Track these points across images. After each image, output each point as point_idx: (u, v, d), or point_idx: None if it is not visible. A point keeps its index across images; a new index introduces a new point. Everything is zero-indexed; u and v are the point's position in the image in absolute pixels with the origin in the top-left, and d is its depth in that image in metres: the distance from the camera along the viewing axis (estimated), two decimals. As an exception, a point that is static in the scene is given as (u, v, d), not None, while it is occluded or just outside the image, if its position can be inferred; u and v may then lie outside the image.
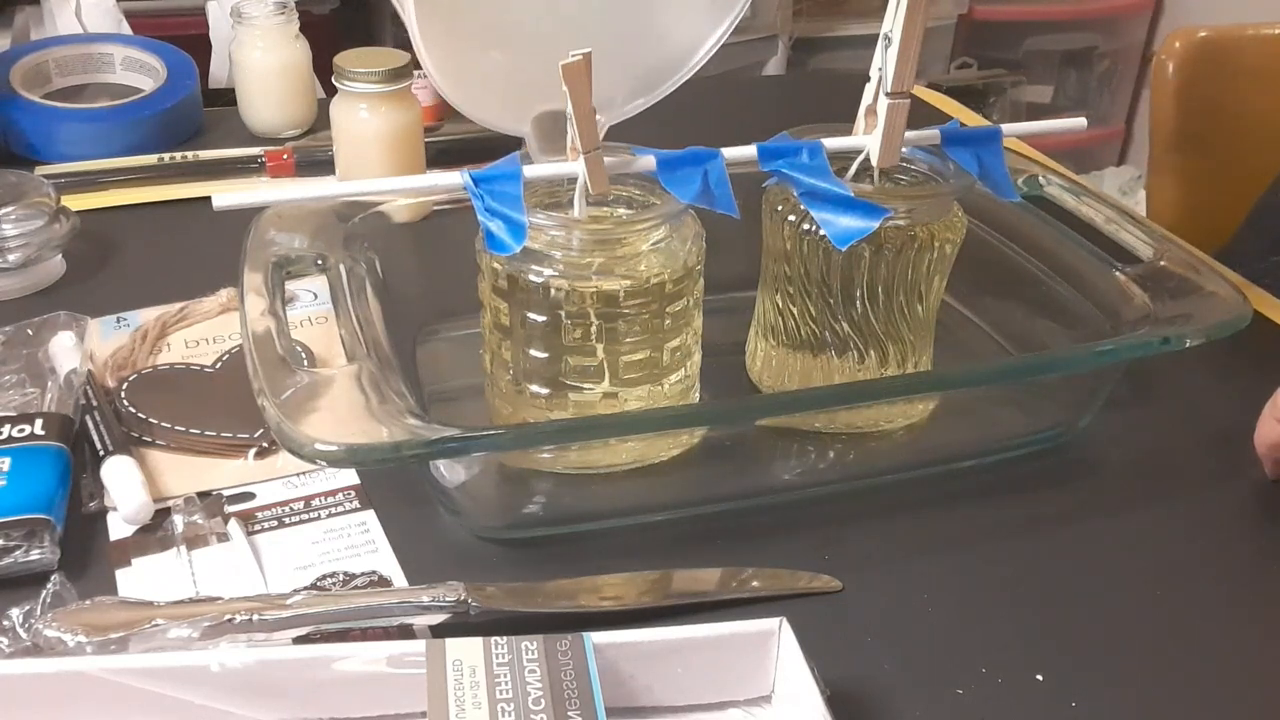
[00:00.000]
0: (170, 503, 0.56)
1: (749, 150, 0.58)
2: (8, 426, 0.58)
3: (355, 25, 1.85)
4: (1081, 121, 0.67)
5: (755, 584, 0.54)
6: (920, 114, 0.63)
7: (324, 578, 0.53)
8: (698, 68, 0.71)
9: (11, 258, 0.74)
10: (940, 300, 0.64)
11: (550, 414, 0.58)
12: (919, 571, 0.56)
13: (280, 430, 0.48)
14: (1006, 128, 0.63)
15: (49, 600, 0.48)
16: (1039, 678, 0.50)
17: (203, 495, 0.57)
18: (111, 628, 0.47)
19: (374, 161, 0.80)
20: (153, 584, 0.52)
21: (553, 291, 0.55)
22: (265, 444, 0.61)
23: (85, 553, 0.54)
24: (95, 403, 0.61)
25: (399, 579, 0.53)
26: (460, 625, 0.49)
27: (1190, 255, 0.65)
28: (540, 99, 0.65)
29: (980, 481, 0.62)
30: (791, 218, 0.61)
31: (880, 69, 0.58)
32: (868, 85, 0.60)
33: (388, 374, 0.52)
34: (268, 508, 0.57)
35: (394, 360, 0.54)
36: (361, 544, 0.55)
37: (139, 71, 1.01)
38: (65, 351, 0.65)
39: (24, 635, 0.47)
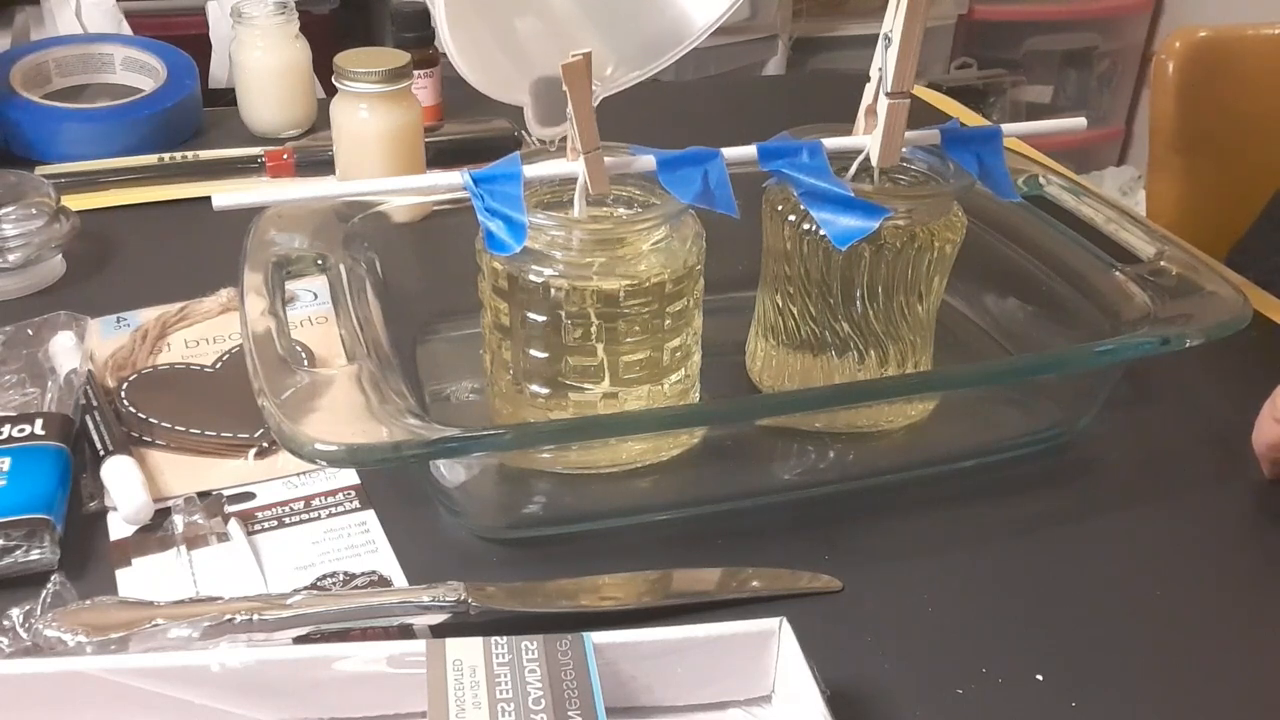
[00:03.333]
0: (170, 503, 0.56)
1: (749, 150, 0.58)
2: (8, 426, 0.58)
3: (355, 25, 1.85)
4: (1081, 121, 0.67)
5: (755, 584, 0.54)
6: (920, 114, 0.63)
7: (324, 578, 0.53)
8: (698, 42, 0.71)
9: (11, 258, 0.74)
10: (940, 300, 0.64)
11: (550, 414, 0.58)
12: (919, 571, 0.56)
13: (280, 430, 0.48)
14: (1006, 128, 0.63)
15: (49, 600, 0.48)
16: (1039, 678, 0.50)
17: (203, 495, 0.57)
18: (111, 628, 0.47)
19: (374, 161, 0.80)
20: (153, 584, 0.52)
21: (553, 291, 0.55)
22: (265, 444, 0.61)
23: (85, 553, 0.54)
24: (95, 403, 0.61)
25: (399, 579, 0.53)
26: (460, 625, 0.49)
27: (1190, 255, 0.65)
28: (542, 65, 0.65)
29: (980, 481, 0.62)
30: (791, 218, 0.61)
31: (880, 69, 0.58)
32: (868, 85, 0.60)
33: (388, 374, 0.52)
34: (268, 508, 0.57)
35: (394, 360, 0.54)
36: (361, 544, 0.55)
37: (139, 71, 1.01)
38: (65, 351, 0.65)
39: (24, 635, 0.47)
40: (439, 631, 0.50)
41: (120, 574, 0.53)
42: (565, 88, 0.51)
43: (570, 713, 0.41)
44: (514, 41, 0.66)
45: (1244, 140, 1.14)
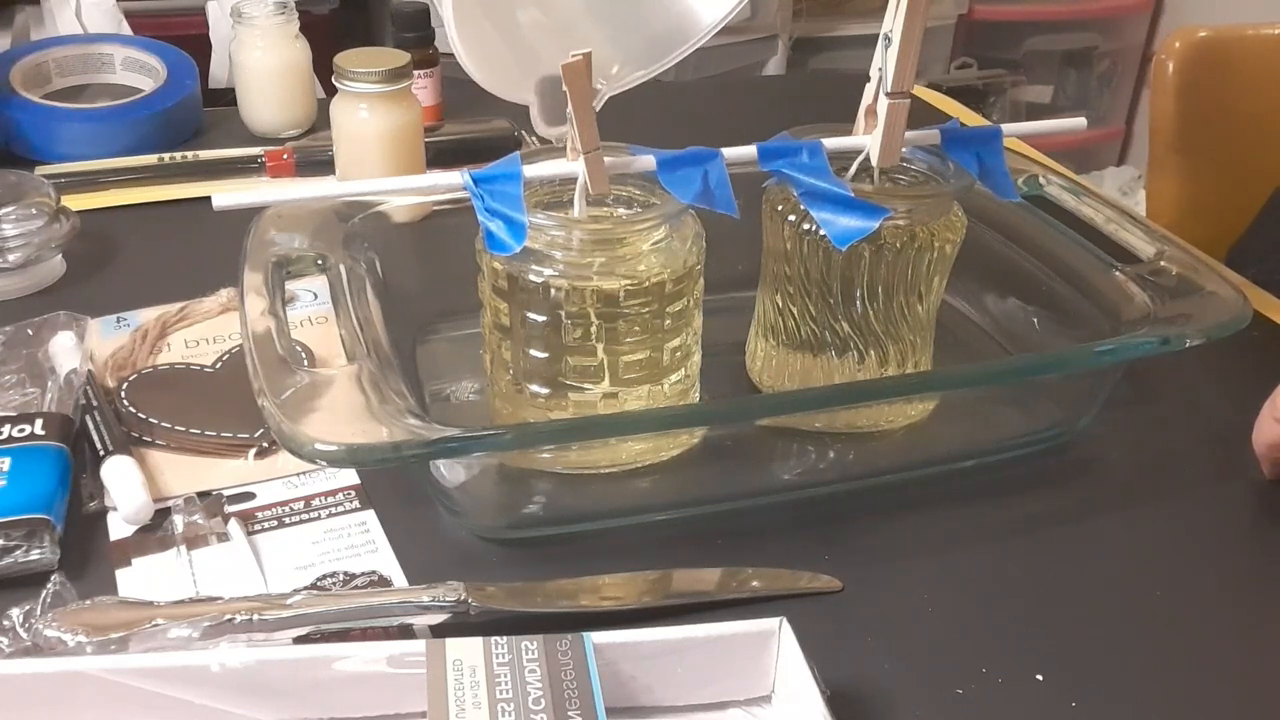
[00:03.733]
0: (170, 503, 0.56)
1: (749, 150, 0.58)
2: (8, 426, 0.58)
3: (355, 25, 1.85)
4: (1081, 121, 0.67)
5: (755, 584, 0.54)
6: (920, 114, 0.63)
7: (324, 578, 0.53)
8: (704, 40, 0.71)
9: (11, 258, 0.74)
10: (940, 300, 0.64)
11: (550, 414, 0.58)
12: (919, 571, 0.56)
13: (280, 430, 0.48)
14: (1006, 128, 0.63)
15: (49, 600, 0.48)
16: (1039, 678, 0.50)
17: (203, 495, 0.57)
18: (111, 628, 0.47)
19: (374, 161, 0.80)
20: (153, 584, 0.52)
21: (553, 291, 0.55)
22: (265, 444, 0.61)
23: (85, 553, 0.54)
24: (95, 403, 0.61)
25: (399, 579, 0.53)
26: (460, 625, 0.49)
27: (1190, 255, 0.65)
28: (548, 63, 0.65)
29: (980, 481, 0.62)
30: (791, 218, 0.61)
31: (880, 69, 0.58)
32: (868, 85, 0.60)
33: (388, 374, 0.52)
34: (268, 508, 0.57)
35: (394, 360, 0.54)
36: (361, 544, 0.55)
37: (139, 71, 1.01)
38: (65, 351, 0.65)
39: (24, 635, 0.47)
40: (439, 631, 0.50)
41: (120, 574, 0.53)
42: (565, 88, 0.51)
43: (570, 713, 0.41)
44: (520, 39, 0.66)
45: (1244, 140, 1.14)
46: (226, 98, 1.03)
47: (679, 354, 0.59)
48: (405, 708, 0.45)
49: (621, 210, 0.59)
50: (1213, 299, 0.61)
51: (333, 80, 0.79)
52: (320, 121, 0.99)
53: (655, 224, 0.56)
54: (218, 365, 0.67)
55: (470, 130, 0.96)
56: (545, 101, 0.65)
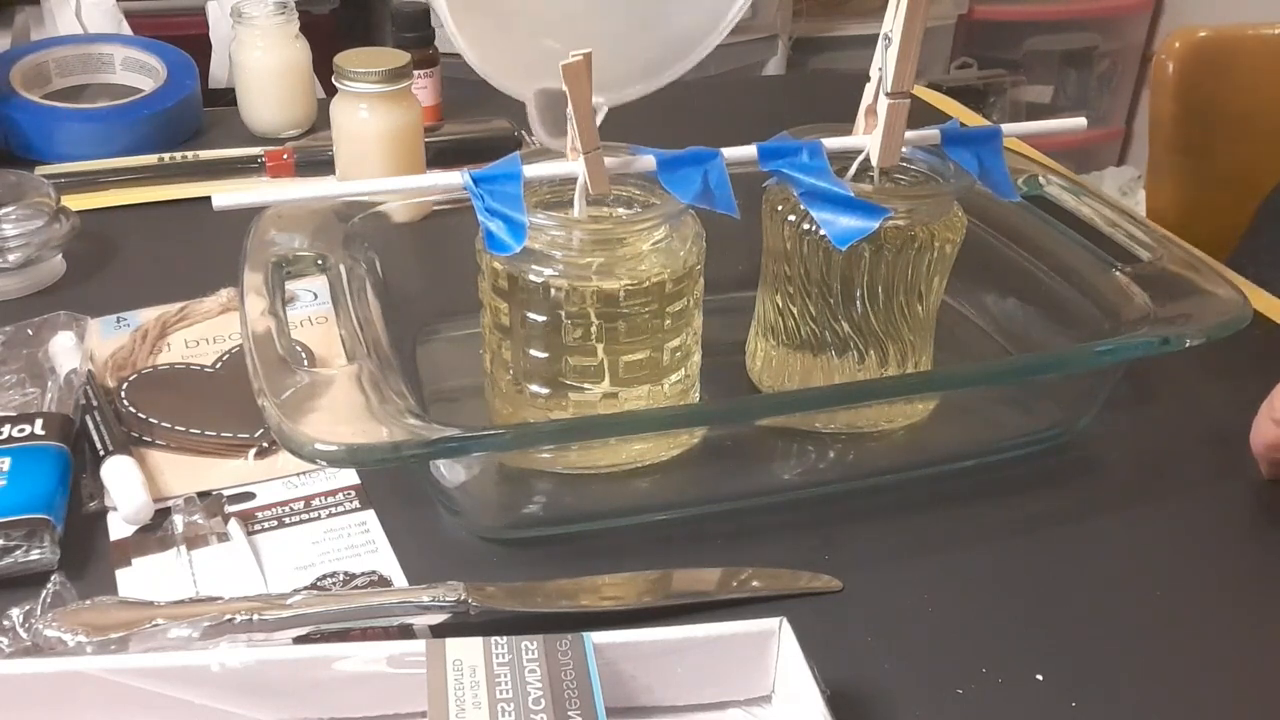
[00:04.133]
0: (170, 503, 0.56)
1: (749, 150, 0.58)
2: (8, 426, 0.58)
3: (355, 25, 1.85)
4: (1081, 121, 0.67)
5: (755, 584, 0.54)
6: (920, 114, 0.63)
7: (324, 578, 0.53)
8: (709, 50, 0.71)
9: (11, 258, 0.74)
10: (940, 300, 0.64)
11: (550, 414, 0.58)
12: (919, 571, 0.56)
13: (280, 430, 0.48)
14: (1006, 128, 0.63)
15: (49, 600, 0.48)
16: (1039, 678, 0.50)
17: (203, 495, 0.57)
18: (111, 628, 0.47)
19: (374, 161, 0.80)
20: (153, 584, 0.52)
21: (553, 291, 0.55)
22: (265, 444, 0.61)
23: (85, 553, 0.54)
24: (95, 403, 0.61)
25: (399, 579, 0.53)
26: (460, 625, 0.49)
27: (1190, 255, 0.65)
28: (551, 71, 0.65)
29: (980, 481, 0.62)
30: (791, 218, 0.61)
31: (880, 69, 0.58)
32: (868, 85, 0.60)
33: (388, 374, 0.52)
34: (268, 508, 0.57)
35: (394, 360, 0.54)
36: (361, 544, 0.55)
37: (139, 71, 1.01)
38: (65, 351, 0.65)
39: (24, 635, 0.47)
40: (439, 631, 0.50)
41: (120, 574, 0.53)
42: (564, 87, 0.51)
43: (570, 713, 0.41)
44: (520, 36, 0.66)
45: (1244, 140, 1.14)
46: (226, 98, 1.03)
47: (679, 354, 0.59)
48: (405, 708, 0.45)
49: (621, 210, 0.59)
50: (1213, 299, 0.61)
51: (333, 80, 0.79)
52: (320, 121, 0.99)
53: (655, 224, 0.56)
54: (218, 365, 0.67)
55: (470, 130, 0.96)
56: (546, 114, 0.65)
